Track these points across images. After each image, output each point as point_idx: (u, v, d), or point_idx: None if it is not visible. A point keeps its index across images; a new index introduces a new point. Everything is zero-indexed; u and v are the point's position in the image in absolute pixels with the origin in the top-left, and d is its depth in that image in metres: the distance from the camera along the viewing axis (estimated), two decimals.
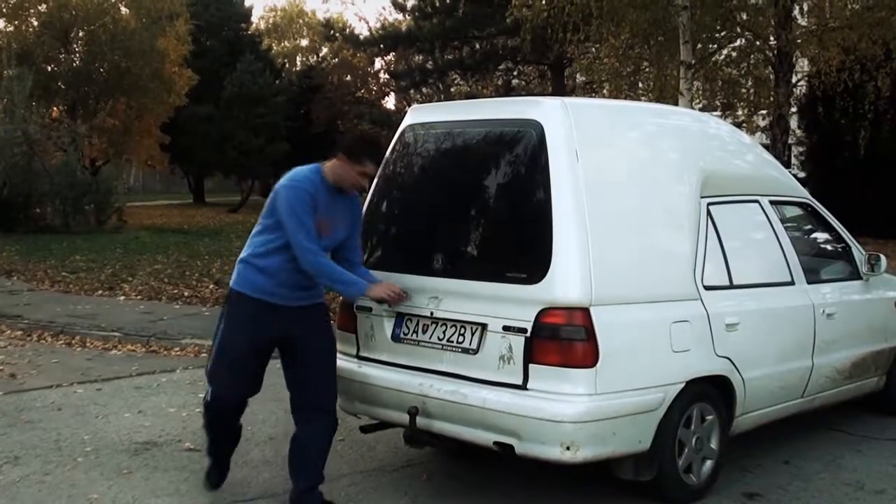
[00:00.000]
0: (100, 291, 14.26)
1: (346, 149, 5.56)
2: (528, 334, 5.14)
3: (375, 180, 6.14)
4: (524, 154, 5.47)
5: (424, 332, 5.67)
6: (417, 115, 6.33)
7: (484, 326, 5.37)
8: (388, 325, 5.82)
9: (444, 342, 5.57)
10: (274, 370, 9.27)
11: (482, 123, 5.88)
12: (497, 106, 6.06)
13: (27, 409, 7.78)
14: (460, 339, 5.49)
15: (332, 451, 6.64)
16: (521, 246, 5.39)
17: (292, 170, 5.66)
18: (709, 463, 5.88)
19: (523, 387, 5.16)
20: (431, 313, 5.60)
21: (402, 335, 5.77)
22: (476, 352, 5.39)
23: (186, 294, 14.02)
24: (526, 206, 5.42)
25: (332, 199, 5.52)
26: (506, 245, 5.50)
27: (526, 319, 5.16)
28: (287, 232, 5.37)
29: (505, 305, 5.29)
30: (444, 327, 5.59)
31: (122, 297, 13.77)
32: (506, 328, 5.25)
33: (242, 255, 5.60)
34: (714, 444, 5.88)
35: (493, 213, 5.65)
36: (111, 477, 6.16)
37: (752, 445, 6.72)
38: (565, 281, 5.12)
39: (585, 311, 5.08)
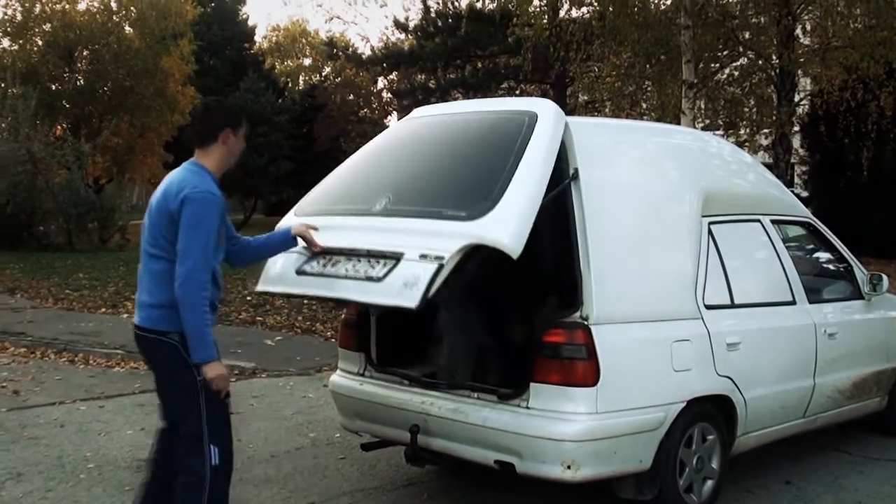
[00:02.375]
0: (103, 309, 14.28)
1: (229, 122, 5.10)
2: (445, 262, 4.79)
3: (358, 157, 6.27)
4: None
5: (334, 265, 5.31)
6: (418, 112, 6.49)
7: (399, 257, 4.97)
8: (299, 261, 5.48)
9: (350, 272, 5.20)
10: (275, 387, 9.33)
11: (476, 115, 6.05)
12: (494, 109, 6.15)
13: (30, 425, 7.78)
14: (369, 270, 5.08)
15: (333, 469, 6.70)
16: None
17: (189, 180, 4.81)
18: (710, 483, 5.86)
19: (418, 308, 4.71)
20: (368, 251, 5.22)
21: (307, 269, 5.40)
22: (381, 280, 4.95)
23: None
24: None
25: None
26: None
27: (446, 249, 4.77)
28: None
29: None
30: (355, 260, 5.23)
31: (126, 315, 13.75)
32: (422, 256, 4.84)
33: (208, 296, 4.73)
34: (715, 464, 5.87)
35: None
36: (113, 493, 6.15)
37: (753, 465, 6.71)
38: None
39: (586, 330, 5.09)
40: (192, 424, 4.76)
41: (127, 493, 6.16)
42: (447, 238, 4.82)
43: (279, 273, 5.53)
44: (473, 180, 5.23)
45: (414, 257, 4.84)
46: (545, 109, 5.36)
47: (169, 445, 4.97)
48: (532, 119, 5.27)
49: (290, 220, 5.65)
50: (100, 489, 6.23)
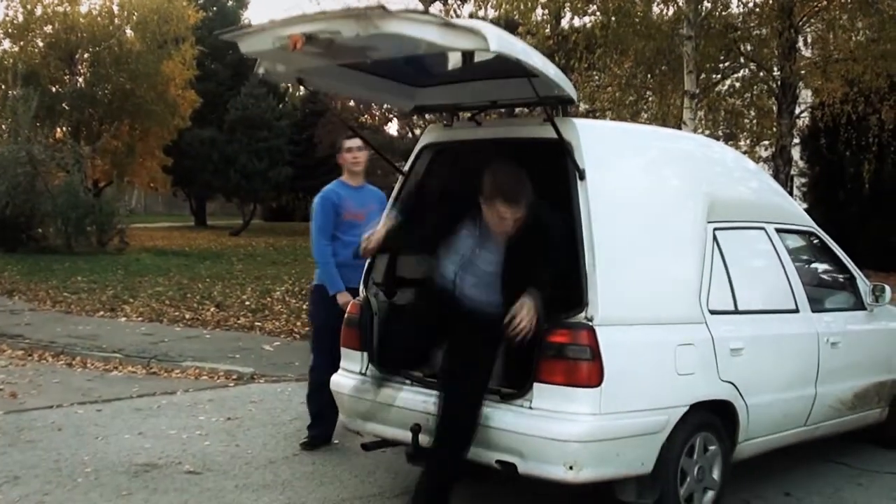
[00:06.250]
0: (101, 312, 14.25)
1: (337, 150, 7.60)
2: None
3: None
4: None
5: None
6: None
7: None
8: None
9: None
10: (273, 392, 9.29)
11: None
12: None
13: (27, 428, 7.74)
14: None
15: (331, 475, 6.68)
16: None
17: None
18: (710, 493, 5.83)
19: None
20: None
21: None
22: None
23: (188, 316, 14.01)
24: None
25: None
26: None
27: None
28: None
29: None
30: None
31: (124, 319, 13.76)
32: None
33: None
34: (716, 475, 5.84)
35: None
36: (111, 498, 6.10)
37: (753, 477, 6.68)
38: None
39: (591, 331, 5.08)
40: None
41: (124, 497, 6.12)
42: None
43: None
44: None
45: None
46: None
47: None
48: None
49: None
50: (97, 493, 6.19)
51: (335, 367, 6.82)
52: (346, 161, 7.59)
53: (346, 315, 6.33)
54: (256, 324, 13.54)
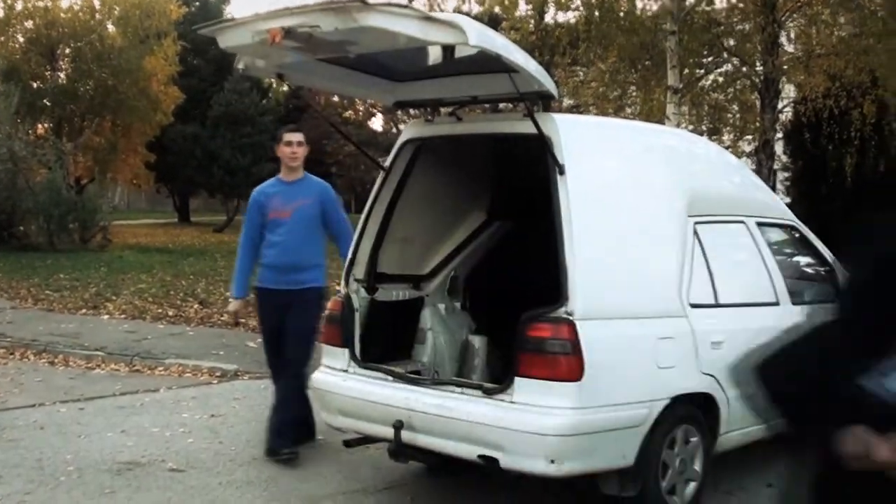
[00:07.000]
0: (83, 310, 14.18)
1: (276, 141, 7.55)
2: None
3: None
4: None
5: None
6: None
7: None
8: None
9: None
10: (256, 389, 9.27)
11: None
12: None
13: (9, 427, 7.70)
14: None
15: (315, 471, 6.67)
16: None
17: None
18: (692, 485, 5.86)
19: None
20: None
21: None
22: None
23: (171, 314, 13.96)
24: None
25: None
26: None
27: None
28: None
29: None
30: None
31: (106, 316, 13.70)
32: None
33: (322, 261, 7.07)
34: (698, 467, 5.87)
35: None
36: (94, 497, 6.09)
37: (735, 468, 6.69)
38: None
39: (571, 325, 5.09)
40: None
41: (107, 495, 6.11)
42: None
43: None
44: None
45: None
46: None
47: None
48: None
49: None
50: (79, 492, 6.17)
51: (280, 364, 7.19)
52: (284, 154, 7.32)
53: (327, 312, 6.34)
54: (240, 321, 13.47)
